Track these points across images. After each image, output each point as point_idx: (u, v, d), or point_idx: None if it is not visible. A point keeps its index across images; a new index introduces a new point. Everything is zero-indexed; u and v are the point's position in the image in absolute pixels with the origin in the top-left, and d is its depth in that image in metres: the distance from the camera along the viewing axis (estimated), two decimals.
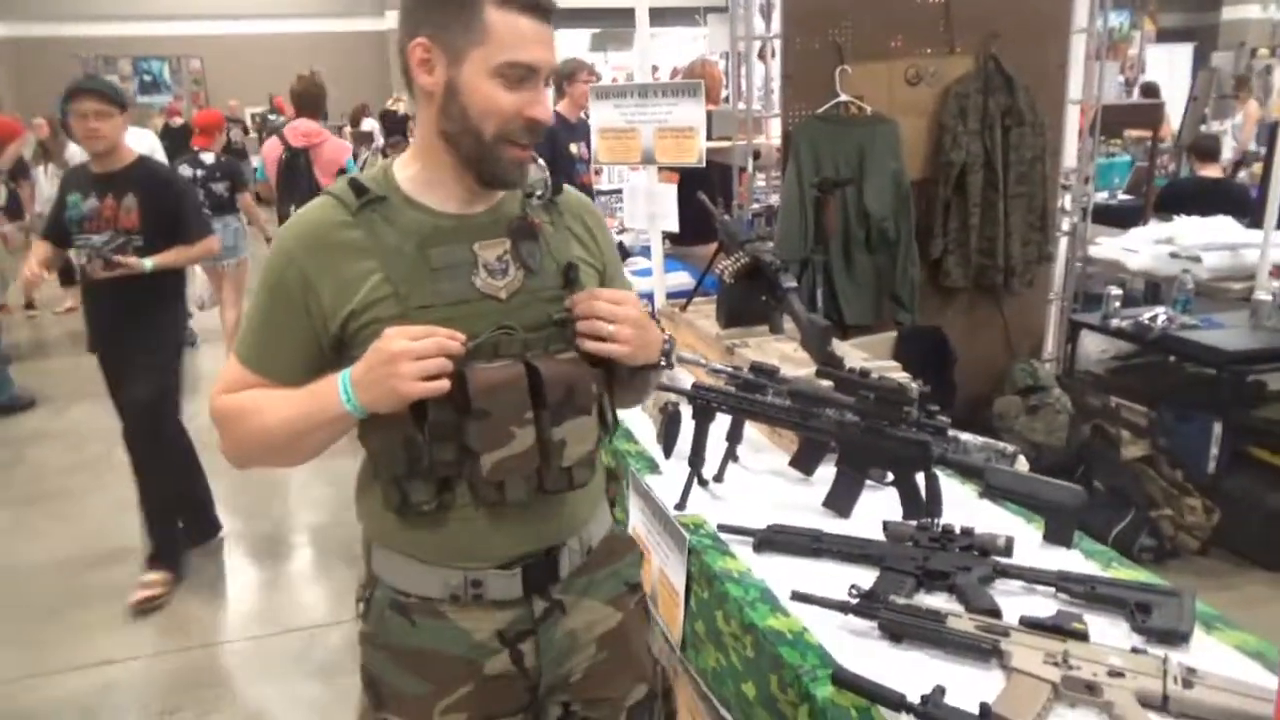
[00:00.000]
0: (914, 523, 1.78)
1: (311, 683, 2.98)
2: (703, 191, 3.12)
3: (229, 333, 5.98)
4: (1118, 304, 3.72)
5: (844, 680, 1.36)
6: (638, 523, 2.13)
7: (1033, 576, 1.63)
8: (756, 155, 3.68)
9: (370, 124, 12.88)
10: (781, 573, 1.71)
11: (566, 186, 1.45)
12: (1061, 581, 1.59)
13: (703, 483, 2.07)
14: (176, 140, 9.98)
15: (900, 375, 2.33)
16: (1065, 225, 3.97)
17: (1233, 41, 13.99)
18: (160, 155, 5.67)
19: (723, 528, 1.86)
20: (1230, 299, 4.10)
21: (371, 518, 1.36)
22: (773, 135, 3.79)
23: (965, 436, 1.99)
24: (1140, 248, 4.41)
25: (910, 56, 3.46)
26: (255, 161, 6.58)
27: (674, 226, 3.15)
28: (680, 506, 1.98)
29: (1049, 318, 4.02)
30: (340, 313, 1.24)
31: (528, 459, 1.26)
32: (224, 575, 3.70)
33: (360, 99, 13.63)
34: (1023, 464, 2.11)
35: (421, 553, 1.32)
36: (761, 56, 4.03)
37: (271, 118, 13.73)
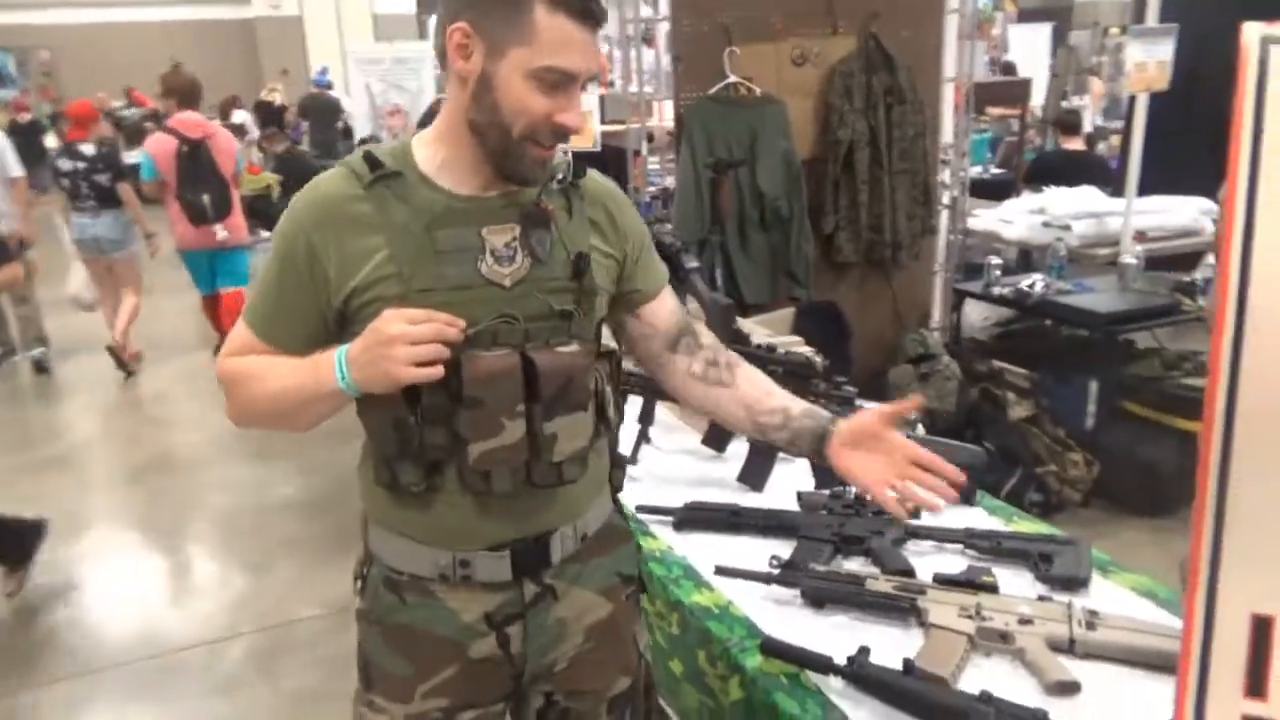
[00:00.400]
0: (826, 491, 1.83)
1: (214, 700, 2.86)
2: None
3: (121, 329, 5.68)
4: (998, 273, 3.89)
5: (772, 649, 1.39)
6: None
7: (942, 536, 1.70)
8: (650, 138, 3.69)
9: (241, 115, 12.32)
10: (702, 549, 1.74)
11: (592, 171, 1.40)
12: (969, 538, 1.67)
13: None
14: (26, 137, 9.36)
15: (804, 350, 2.38)
16: (945, 199, 4.12)
17: (1087, 21, 14.80)
18: (9, 155, 5.33)
19: (641, 508, 1.87)
20: (1098, 264, 4.34)
21: (367, 494, 1.35)
22: (665, 118, 3.81)
23: (869, 406, 2.05)
24: (1015, 218, 4.62)
25: (795, 37, 3.52)
26: (134, 157, 6.23)
27: None
28: None
29: (934, 289, 4.18)
30: (344, 288, 1.22)
31: (516, 451, 1.24)
32: (113, 593, 3.51)
33: (227, 90, 13.04)
34: (920, 431, 2.19)
35: (412, 531, 1.31)
36: (648, 40, 4.03)
37: (127, 113, 13.02)
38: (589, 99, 2.87)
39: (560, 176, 1.32)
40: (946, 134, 4.22)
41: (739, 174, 3.39)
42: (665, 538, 1.80)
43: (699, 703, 1.56)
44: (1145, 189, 4.80)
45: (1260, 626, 0.91)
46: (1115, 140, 8.14)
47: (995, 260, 3.93)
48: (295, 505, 3.97)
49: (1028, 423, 3.39)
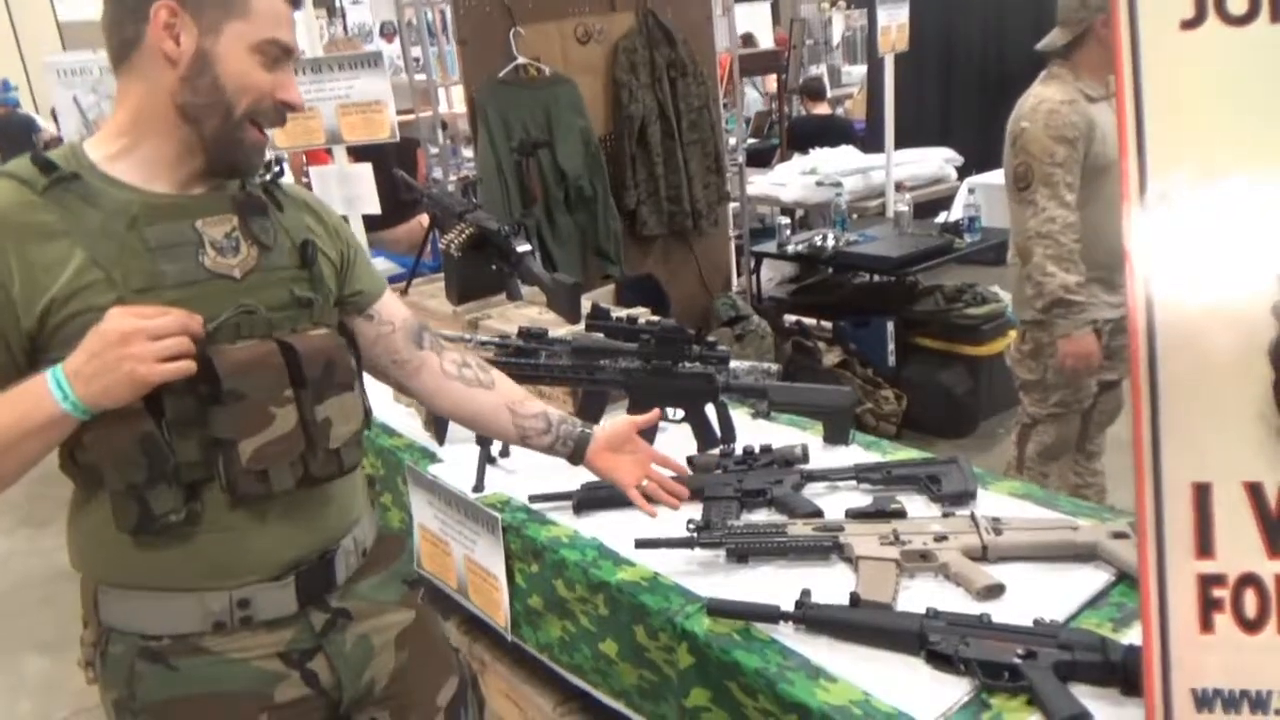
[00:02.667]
0: (716, 452, 1.85)
1: None
2: (382, 169, 2.96)
3: None
4: (788, 232, 4.10)
5: (719, 609, 1.39)
6: (426, 519, 2.01)
7: (835, 475, 1.76)
8: (444, 125, 3.56)
9: None
10: (610, 527, 1.70)
11: (285, 180, 1.33)
12: (861, 474, 1.74)
13: (491, 460, 1.99)
14: None
15: (653, 319, 2.39)
16: (731, 167, 4.28)
17: None
18: None
19: (535, 498, 1.80)
20: (869, 215, 4.68)
21: (97, 552, 1.18)
22: (455, 105, 3.69)
23: (734, 364, 2.09)
24: (788, 180, 4.90)
25: (577, 15, 3.51)
26: None
27: (375, 208, 2.97)
28: (478, 488, 1.89)
29: (731, 253, 4.33)
30: (36, 305, 1.06)
31: (292, 441, 1.15)
32: None
33: None
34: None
35: (171, 580, 1.15)
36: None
37: None
38: (383, 87, 2.71)
39: (259, 174, 1.26)
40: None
41: (540, 156, 3.34)
42: (568, 523, 1.74)
43: (639, 678, 1.53)
44: (874, 145, 5.25)
45: (1201, 492, 1.00)
46: (849, 104, 8.84)
47: (784, 220, 4.14)
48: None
49: (840, 368, 3.60)
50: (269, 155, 1.29)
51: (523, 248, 2.49)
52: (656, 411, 1.59)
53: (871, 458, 1.86)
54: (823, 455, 1.88)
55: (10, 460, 1.06)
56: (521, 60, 3.34)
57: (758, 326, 3.75)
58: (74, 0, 12.80)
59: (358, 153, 3.23)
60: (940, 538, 1.47)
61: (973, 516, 1.51)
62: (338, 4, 9.78)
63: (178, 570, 1.15)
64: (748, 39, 9.66)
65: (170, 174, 1.16)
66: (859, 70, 11.79)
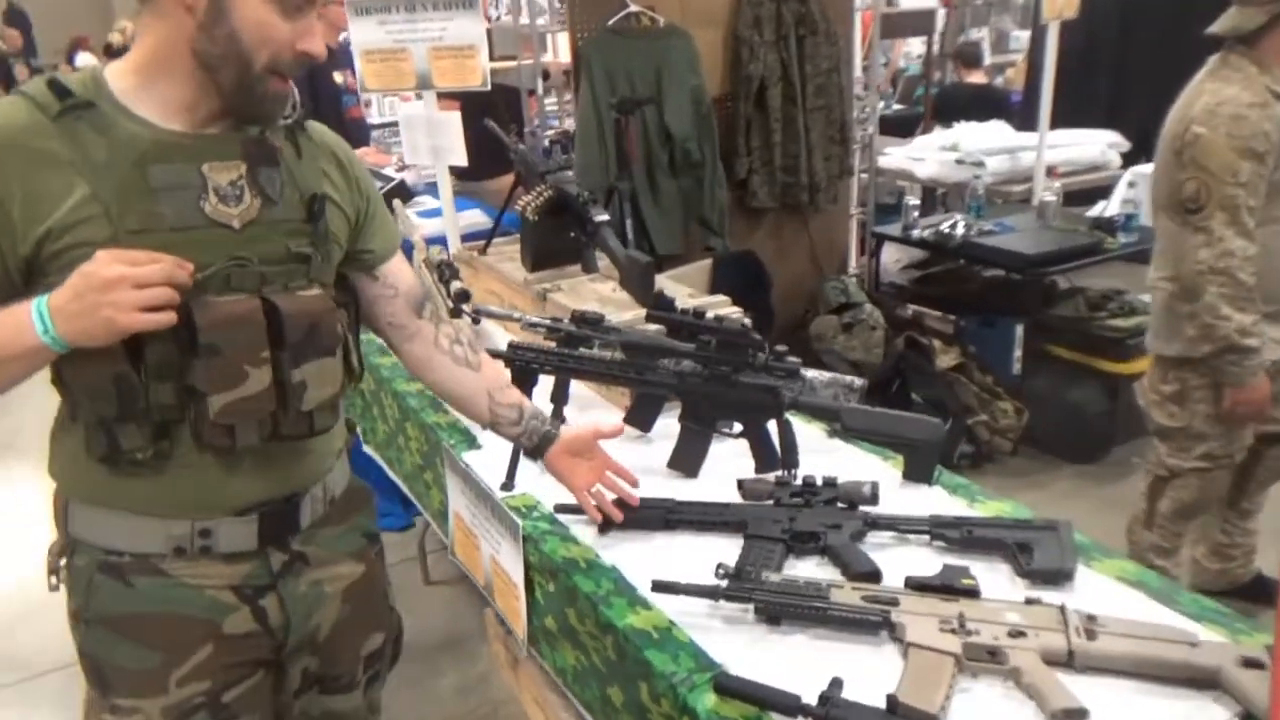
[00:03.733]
0: (772, 478, 1.61)
1: None
2: (489, 118, 2.78)
3: None
4: (915, 214, 3.73)
5: (728, 688, 1.17)
6: (460, 507, 1.85)
7: (906, 526, 1.49)
8: (545, 75, 3.36)
9: (86, 59, 11.30)
10: (634, 555, 1.50)
11: (313, 124, 1.31)
12: (936, 528, 1.47)
13: (529, 455, 1.80)
14: None
15: (732, 311, 2.14)
16: (858, 137, 3.92)
17: None
18: None
19: (561, 508, 1.61)
20: (1012, 200, 4.23)
21: (70, 469, 1.21)
22: (560, 52, 3.48)
23: (811, 374, 1.83)
24: (926, 156, 4.48)
25: None
26: None
27: (462, 160, 2.80)
28: (507, 487, 1.71)
29: (850, 232, 3.99)
30: (32, 233, 1.07)
31: (262, 401, 1.17)
32: None
33: (74, 30, 11.91)
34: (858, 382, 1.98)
35: (135, 504, 1.19)
36: None
37: None
38: (477, 30, 2.52)
39: (286, 115, 1.22)
40: (856, 67, 4.01)
41: (645, 114, 3.10)
42: (589, 542, 1.55)
43: None
44: (1032, 121, 4.71)
45: None
46: (1010, 73, 8.13)
47: (913, 201, 3.77)
48: None
49: (955, 371, 3.25)
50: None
51: (600, 217, 2.28)
52: (620, 425, 1.59)
53: (954, 507, 1.58)
54: (898, 495, 1.61)
55: None
56: (634, 8, 3.09)
57: (869, 315, 3.42)
58: None
59: (462, 99, 3.06)
60: (1017, 633, 1.20)
61: (1062, 609, 1.23)
62: None
63: (143, 499, 1.19)
64: None
65: (183, 109, 1.14)
66: (1029, 35, 10.93)
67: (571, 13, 3.06)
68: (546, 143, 3.24)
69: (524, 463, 1.74)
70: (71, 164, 1.08)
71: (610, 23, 3.08)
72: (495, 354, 1.77)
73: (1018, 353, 3.35)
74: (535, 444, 1.52)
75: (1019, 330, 3.34)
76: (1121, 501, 2.60)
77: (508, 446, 1.75)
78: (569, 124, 3.49)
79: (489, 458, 1.83)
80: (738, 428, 1.71)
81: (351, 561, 1.40)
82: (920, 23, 6.03)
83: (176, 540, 1.20)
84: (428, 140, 2.80)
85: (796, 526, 1.48)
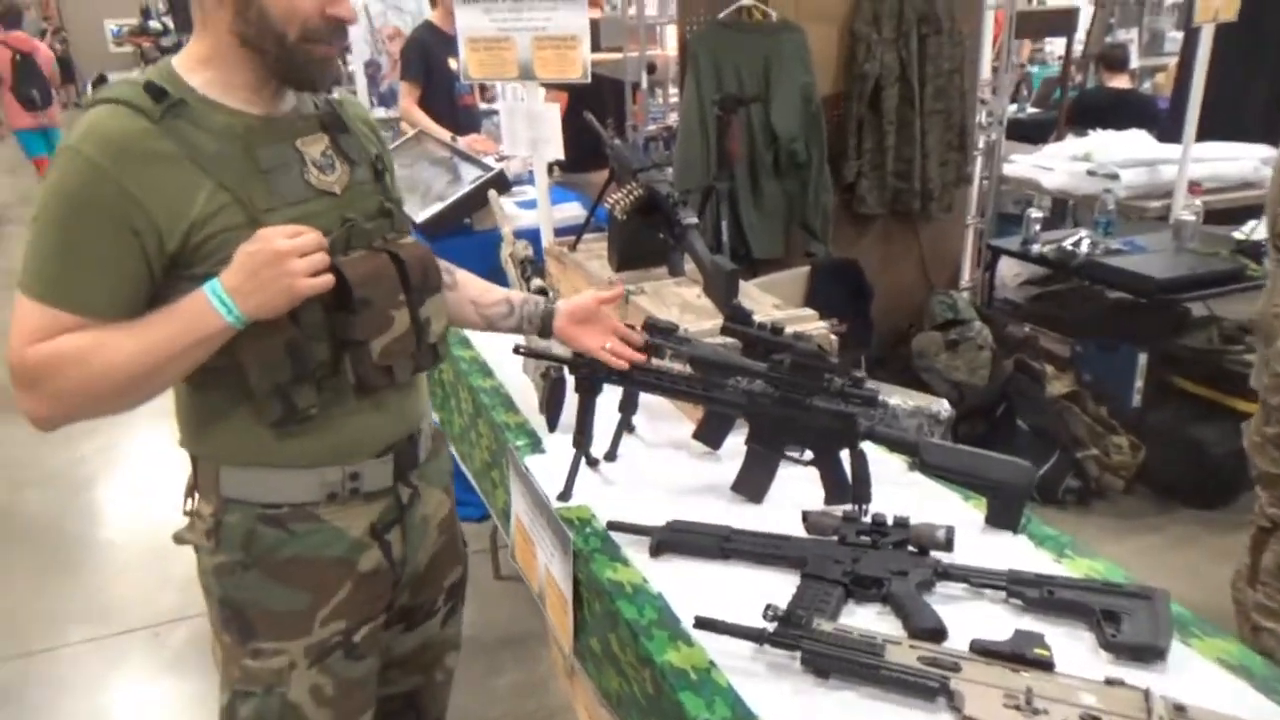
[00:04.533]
0: (839, 512, 1.50)
1: (161, 681, 2.61)
2: (593, 111, 2.73)
3: None
4: (1037, 227, 3.49)
5: None
6: (520, 510, 1.81)
7: (979, 578, 1.36)
8: (651, 69, 3.29)
9: None
10: (683, 581, 1.42)
11: (339, 93, 1.43)
12: (1014, 585, 1.33)
13: (592, 463, 1.75)
14: None
15: (817, 325, 2.03)
16: (981, 143, 3.70)
17: None
18: None
19: (613, 526, 1.55)
20: (1148, 218, 3.93)
21: (227, 440, 1.29)
22: (668, 46, 3.40)
23: (894, 400, 1.72)
24: (1055, 165, 4.20)
25: None
26: None
27: (559, 154, 2.76)
28: (564, 497, 1.66)
29: (965, 244, 3.79)
30: (178, 228, 1.15)
31: (407, 340, 1.31)
32: (39, 573, 3.23)
33: None
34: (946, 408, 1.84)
35: (295, 459, 1.29)
36: None
37: None
38: (581, 21, 2.47)
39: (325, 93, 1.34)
40: (984, 69, 3.79)
41: (751, 112, 2.99)
42: (639, 565, 1.48)
43: None
44: (1198, 133, 4.36)
45: None
46: (1160, 78, 7.61)
47: (1035, 213, 3.53)
48: None
49: (1067, 399, 3.03)
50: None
51: (689, 219, 2.19)
52: (620, 288, 1.77)
53: (1039, 561, 1.45)
54: (977, 541, 1.49)
55: (170, 372, 1.19)
56: (746, 1, 2.98)
57: (978, 334, 3.23)
58: None
59: (571, 90, 3.03)
60: (1091, 718, 1.07)
61: (1147, 694, 1.09)
62: None
63: (306, 452, 1.29)
64: None
65: (255, 95, 1.23)
66: (1177, 34, 10.18)
67: (681, 4, 2.98)
68: (644, 139, 3.16)
69: (585, 473, 1.70)
70: (190, 160, 1.15)
71: (721, 15, 2.98)
72: (558, 360, 1.72)
73: (1139, 383, 3.10)
74: (540, 324, 1.63)
75: (1142, 359, 3.09)
76: (1237, 554, 2.37)
77: (570, 454, 1.71)
78: (673, 119, 3.41)
79: (552, 464, 1.78)
80: (808, 455, 1.61)
81: (442, 494, 1.54)
82: (1061, 22, 5.66)
83: (330, 486, 1.31)
84: (527, 131, 2.78)
85: (859, 569, 1.37)
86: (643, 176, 2.30)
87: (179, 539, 1.38)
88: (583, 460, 1.69)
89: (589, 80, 2.63)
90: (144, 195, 1.13)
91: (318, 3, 1.19)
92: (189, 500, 1.37)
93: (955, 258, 3.71)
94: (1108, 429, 3.01)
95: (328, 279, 1.18)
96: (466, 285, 1.63)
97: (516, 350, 1.74)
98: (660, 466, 1.79)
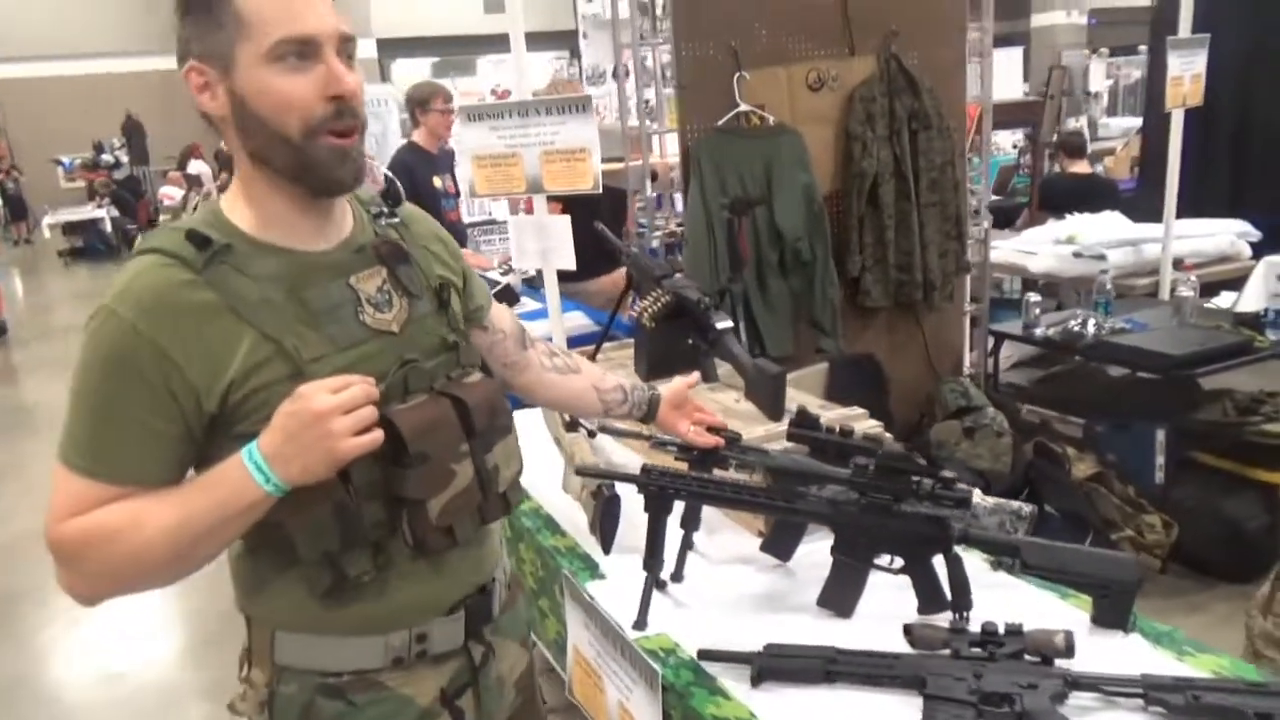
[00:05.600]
0: (944, 623, 1.42)
1: None
2: (587, 220, 2.72)
3: None
4: (1038, 311, 3.52)
5: None
6: (581, 641, 1.70)
7: (1112, 686, 1.28)
8: (654, 177, 3.31)
9: (199, 166, 11.95)
10: (793, 712, 1.32)
11: (403, 207, 1.32)
12: (1152, 690, 1.25)
13: (659, 585, 1.65)
14: None
15: (870, 424, 1.98)
16: (974, 232, 3.76)
17: (1043, 45, 14.84)
18: None
19: (705, 655, 1.44)
20: (1136, 295, 4.00)
21: (281, 611, 1.17)
22: (667, 154, 3.44)
23: (974, 500, 1.65)
24: (1039, 249, 4.28)
25: (810, 60, 3.16)
26: None
27: (570, 263, 2.73)
28: (640, 625, 1.55)
29: (964, 331, 3.81)
30: (217, 386, 1.06)
31: (471, 495, 1.18)
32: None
33: (186, 141, 12.68)
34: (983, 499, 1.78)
35: (357, 626, 1.17)
36: (621, 74, 3.64)
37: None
38: (590, 134, 2.48)
39: (379, 211, 1.25)
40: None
41: (755, 214, 3.00)
42: (742, 697, 1.37)
43: None
44: (1145, 213, 4.50)
45: None
46: (1109, 162, 7.93)
47: (1034, 297, 3.57)
48: None
49: (1093, 481, 3.00)
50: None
51: (723, 324, 2.16)
52: (697, 373, 1.79)
53: (1160, 661, 1.37)
54: (1086, 643, 1.40)
55: (212, 545, 1.08)
56: (744, 107, 3.03)
57: (993, 420, 3.20)
58: None
59: (567, 200, 3.02)
60: None
61: None
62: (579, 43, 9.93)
63: (362, 619, 1.17)
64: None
65: (299, 226, 1.14)
66: (1118, 123, 10.68)
67: (681, 112, 3.01)
68: (660, 246, 3.16)
69: (654, 597, 1.60)
70: (232, 310, 1.06)
71: (720, 123, 3.02)
72: (623, 478, 1.64)
73: (1160, 460, 3.08)
74: (646, 410, 1.64)
75: (1160, 436, 3.08)
76: None
77: (634, 578, 1.61)
78: (673, 225, 3.42)
79: (615, 587, 1.68)
80: (898, 562, 1.53)
81: (519, 647, 1.40)
82: (1026, 113, 5.90)
83: (395, 651, 1.19)
84: (536, 243, 2.75)
85: (984, 686, 1.28)
86: (668, 283, 2.27)
87: (233, 709, 1.24)
88: (653, 585, 1.59)
89: (600, 190, 2.63)
90: (180, 354, 1.04)
91: (313, 87, 1.06)
92: (244, 667, 1.25)
93: (956, 345, 3.72)
94: (1138, 509, 2.97)
95: (376, 436, 1.05)
96: (589, 371, 1.62)
97: (579, 471, 1.66)
98: (730, 583, 1.70)
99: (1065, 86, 7.19)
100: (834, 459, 1.58)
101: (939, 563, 1.50)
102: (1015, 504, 1.66)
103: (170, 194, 12.17)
